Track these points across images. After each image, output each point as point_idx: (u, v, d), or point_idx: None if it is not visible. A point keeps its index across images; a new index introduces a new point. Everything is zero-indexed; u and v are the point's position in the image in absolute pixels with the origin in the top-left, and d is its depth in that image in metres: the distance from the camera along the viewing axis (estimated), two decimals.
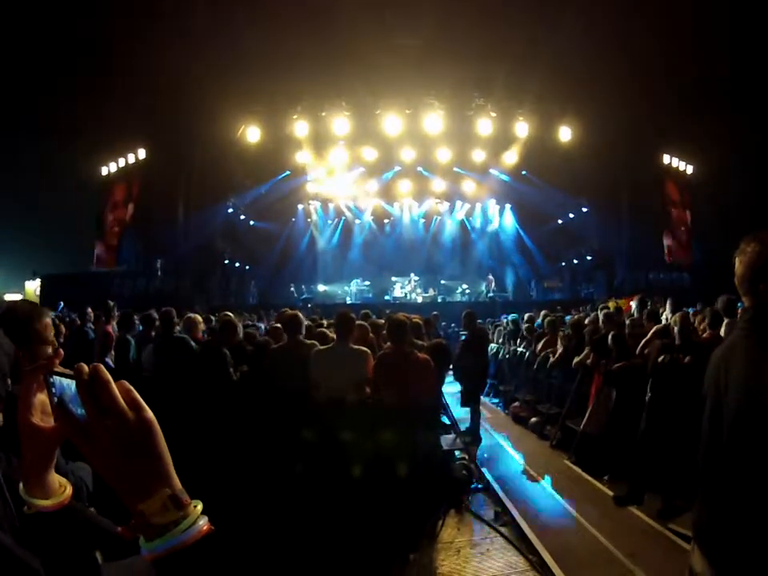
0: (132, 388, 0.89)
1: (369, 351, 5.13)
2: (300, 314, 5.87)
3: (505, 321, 13.07)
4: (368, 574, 4.00)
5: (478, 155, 23.18)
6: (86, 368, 0.87)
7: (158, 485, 0.85)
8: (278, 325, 6.82)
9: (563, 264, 26.16)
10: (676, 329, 5.18)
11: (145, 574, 0.89)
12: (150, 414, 0.88)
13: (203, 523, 0.86)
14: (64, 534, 1.14)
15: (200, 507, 0.89)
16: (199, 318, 6.78)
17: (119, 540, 0.90)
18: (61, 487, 1.12)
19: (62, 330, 6.82)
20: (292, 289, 25.29)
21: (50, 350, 1.88)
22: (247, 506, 3.64)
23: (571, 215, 25.12)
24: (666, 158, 24.01)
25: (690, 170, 24.68)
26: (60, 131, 20.41)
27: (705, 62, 18.25)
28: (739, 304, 6.53)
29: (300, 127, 20.46)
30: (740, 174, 20.42)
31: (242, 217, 24.99)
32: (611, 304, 11.67)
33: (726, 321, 6.35)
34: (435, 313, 12.00)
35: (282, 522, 3.81)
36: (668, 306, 8.63)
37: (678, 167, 24.53)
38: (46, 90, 19.76)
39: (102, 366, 0.87)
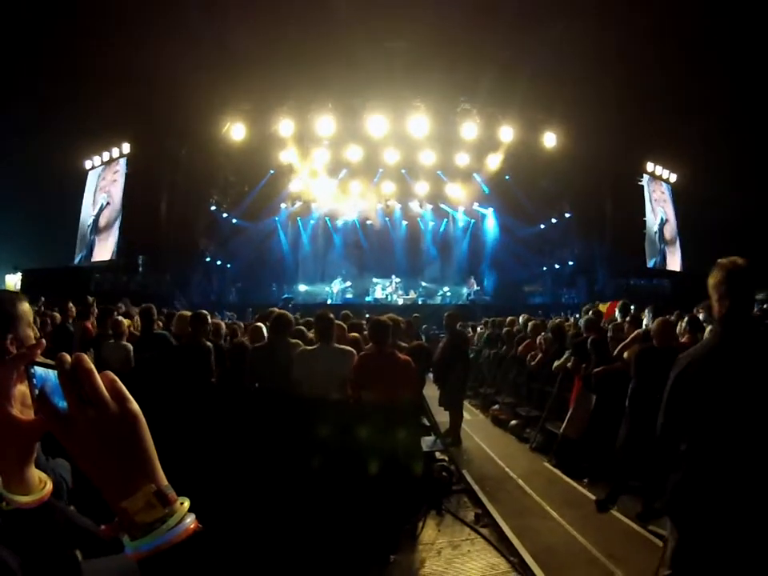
0: (116, 378, 0.87)
1: (353, 350, 5.12)
2: (288, 314, 5.84)
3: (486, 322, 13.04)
4: (348, 575, 3.98)
5: (462, 159, 23.28)
6: (67, 357, 0.85)
7: (142, 480, 0.82)
8: (259, 324, 6.78)
9: (545, 269, 26.30)
10: (657, 333, 5.21)
11: (126, 572, 0.86)
12: (135, 405, 0.86)
13: (190, 521, 0.84)
14: (43, 532, 1.10)
15: (187, 504, 0.86)
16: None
17: (99, 539, 0.87)
18: (41, 483, 1.08)
19: (46, 325, 6.75)
20: (274, 288, 25.19)
21: (32, 334, 1.84)
22: (228, 505, 3.60)
23: (554, 220, 25.27)
24: (650, 166, 24.26)
25: (673, 177, 24.99)
26: (43, 124, 20.18)
27: (690, 71, 18.49)
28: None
29: (285, 126, 20.40)
30: (722, 182, 20.68)
31: (225, 215, 24.82)
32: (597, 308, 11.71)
33: (709, 327, 6.40)
34: (416, 315, 11.99)
35: (262, 521, 3.78)
36: (648, 312, 8.68)
37: (661, 175, 24.82)
38: (29, 83, 19.54)
39: (84, 356, 0.85)
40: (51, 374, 0.87)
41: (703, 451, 2.27)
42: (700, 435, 2.31)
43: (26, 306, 1.86)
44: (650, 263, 24.28)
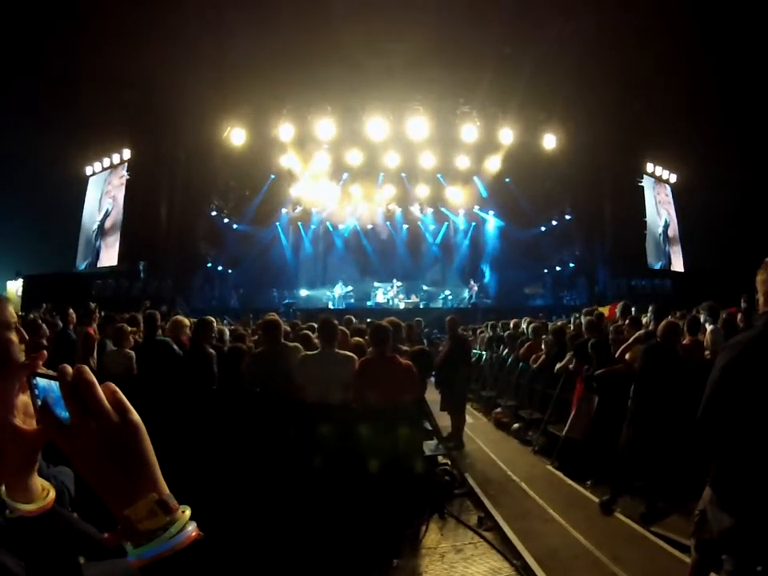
0: (118, 389, 0.88)
1: (355, 356, 5.12)
2: (278, 318, 5.84)
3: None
4: None
5: (462, 161, 23.27)
6: (69, 369, 0.86)
7: (144, 489, 0.84)
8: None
9: (545, 270, 26.31)
10: (663, 334, 5.21)
11: (126, 574, 0.87)
12: (136, 416, 0.87)
13: (192, 529, 0.85)
14: (47, 539, 1.11)
15: (188, 512, 0.87)
16: (186, 320, 6.72)
17: (102, 545, 0.88)
18: (44, 491, 1.09)
19: (45, 332, 6.73)
20: (275, 293, 25.18)
21: (14, 336, 1.77)
22: (231, 511, 3.60)
23: (554, 222, 25.29)
24: (650, 167, 24.27)
25: (672, 178, 25.01)
26: (44, 130, 20.24)
27: (689, 72, 18.50)
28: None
29: (285, 130, 20.41)
30: (721, 182, 20.69)
31: (226, 220, 24.84)
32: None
33: (711, 327, 6.42)
34: (418, 319, 11.97)
35: (266, 526, 3.78)
36: (650, 312, 8.67)
37: (660, 175, 24.84)
38: (31, 89, 19.58)
39: (86, 367, 0.86)
40: (53, 385, 0.88)
41: (757, 436, 2.37)
42: (753, 421, 2.38)
43: (6, 308, 1.79)
44: (657, 266, 24.30)
